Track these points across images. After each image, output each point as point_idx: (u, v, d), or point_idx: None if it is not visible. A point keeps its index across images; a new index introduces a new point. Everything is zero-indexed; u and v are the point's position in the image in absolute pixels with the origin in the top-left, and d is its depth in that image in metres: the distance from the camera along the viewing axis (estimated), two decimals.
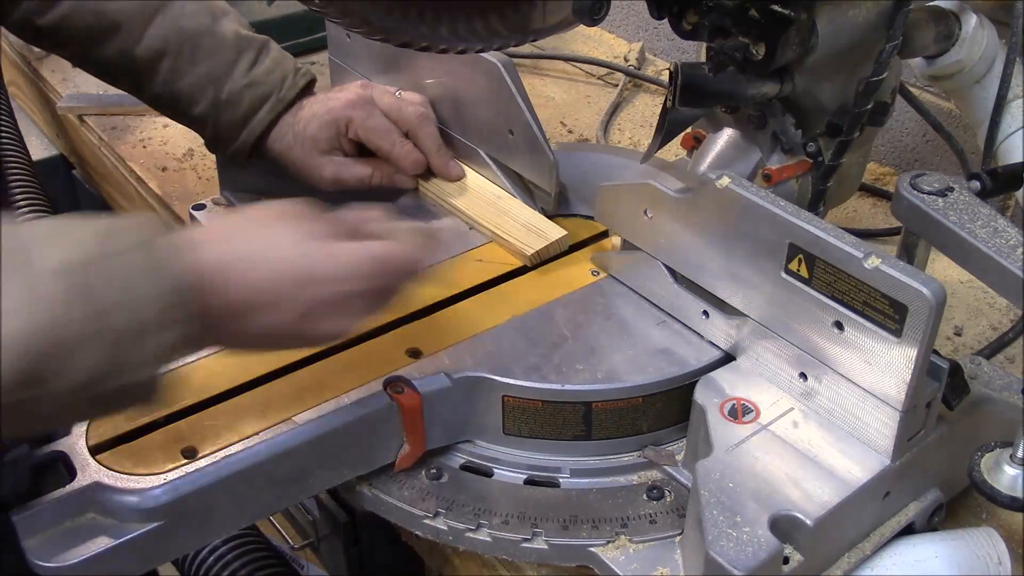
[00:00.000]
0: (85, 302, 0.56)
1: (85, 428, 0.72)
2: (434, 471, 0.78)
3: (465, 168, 1.02)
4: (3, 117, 1.51)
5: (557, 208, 0.98)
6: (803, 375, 0.73)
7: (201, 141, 1.05)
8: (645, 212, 0.81)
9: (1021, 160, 0.93)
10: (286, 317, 0.65)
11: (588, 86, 1.52)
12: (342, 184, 1.02)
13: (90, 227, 0.59)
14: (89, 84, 1.49)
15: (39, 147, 1.67)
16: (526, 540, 0.73)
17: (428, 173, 1.02)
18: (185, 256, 0.62)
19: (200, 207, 1.05)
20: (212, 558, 1.14)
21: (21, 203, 1.40)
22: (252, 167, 1.04)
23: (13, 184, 1.42)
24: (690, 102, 0.84)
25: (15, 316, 0.54)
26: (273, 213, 0.70)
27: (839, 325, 0.68)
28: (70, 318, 0.55)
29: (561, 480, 0.78)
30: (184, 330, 0.60)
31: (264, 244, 0.67)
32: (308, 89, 1.04)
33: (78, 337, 0.56)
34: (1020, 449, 0.62)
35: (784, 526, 0.65)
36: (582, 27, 0.94)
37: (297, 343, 0.74)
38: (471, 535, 0.73)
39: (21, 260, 0.56)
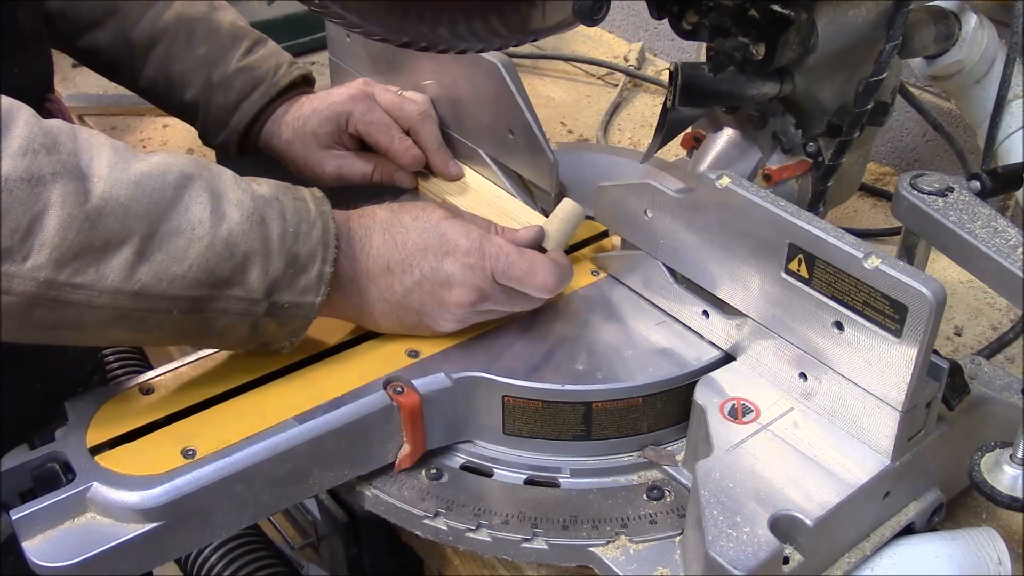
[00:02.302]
0: (258, 227, 0.69)
1: (85, 429, 0.72)
2: (434, 471, 0.78)
3: (465, 168, 1.02)
4: None
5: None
6: (803, 375, 0.73)
7: (201, 142, 1.06)
8: (645, 212, 0.81)
9: (1021, 160, 0.93)
10: (415, 276, 0.77)
11: (588, 86, 1.53)
12: (344, 179, 1.02)
13: (271, 181, 0.74)
14: (89, 84, 1.49)
15: None
16: (526, 540, 0.73)
17: (428, 172, 1.02)
18: (340, 215, 0.76)
19: None
20: (215, 557, 1.14)
21: None
22: (250, 166, 1.02)
23: None
24: (690, 102, 0.84)
25: (199, 225, 0.67)
26: (417, 203, 0.81)
27: (839, 325, 0.68)
28: (244, 237, 0.69)
29: (561, 480, 0.78)
30: (338, 271, 0.74)
31: (401, 220, 0.79)
32: (304, 83, 1.04)
33: (251, 252, 0.69)
34: (1020, 449, 0.62)
35: (784, 526, 0.65)
36: (582, 27, 0.94)
37: (424, 318, 0.79)
38: (471, 535, 0.73)
39: (212, 187, 0.69)
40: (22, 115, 0.63)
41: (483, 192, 0.99)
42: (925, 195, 0.71)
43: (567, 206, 0.87)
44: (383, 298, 0.78)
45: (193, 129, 1.07)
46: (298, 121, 1.01)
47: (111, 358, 1.25)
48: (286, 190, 0.74)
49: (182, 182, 0.68)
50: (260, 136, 1.03)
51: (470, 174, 1.02)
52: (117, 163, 0.65)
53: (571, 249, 0.93)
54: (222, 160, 1.08)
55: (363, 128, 1.00)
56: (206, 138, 1.06)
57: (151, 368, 0.80)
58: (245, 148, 1.05)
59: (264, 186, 0.73)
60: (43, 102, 0.89)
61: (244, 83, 1.00)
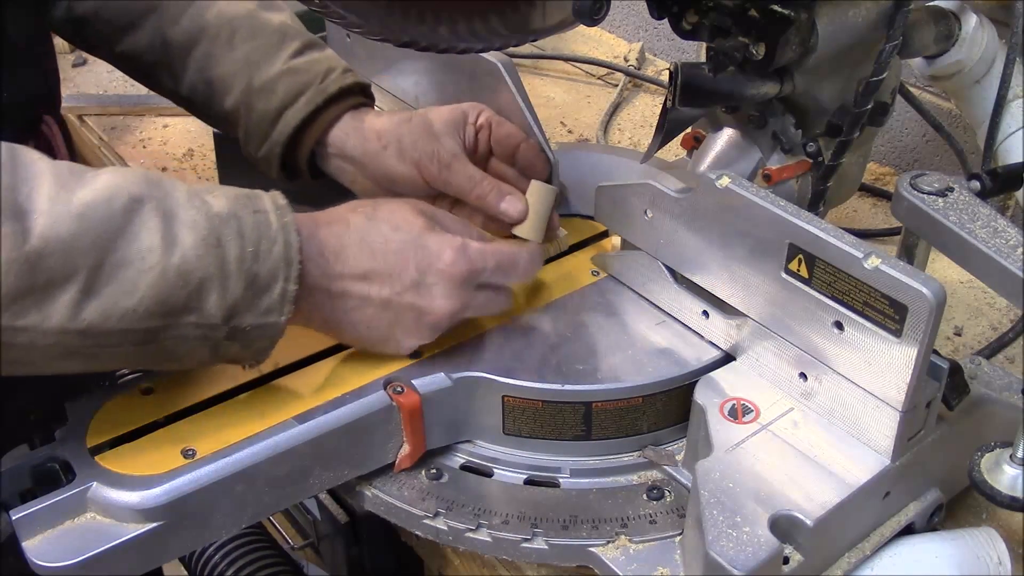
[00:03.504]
0: (214, 250, 0.65)
1: (85, 429, 0.72)
2: (434, 471, 0.78)
3: None
4: None
5: (557, 208, 0.98)
6: (803, 375, 0.73)
7: (201, 141, 1.03)
8: (645, 212, 0.81)
9: (1021, 160, 0.93)
10: (396, 288, 0.74)
11: (588, 86, 1.53)
12: (450, 182, 0.88)
13: (230, 192, 0.69)
14: (89, 84, 1.50)
15: None
16: (526, 540, 0.73)
17: None
18: (307, 223, 0.71)
19: None
20: (219, 556, 1.14)
21: None
22: (251, 165, 0.98)
23: None
24: (690, 102, 0.84)
25: (149, 254, 0.63)
26: (392, 206, 0.77)
27: (839, 325, 0.68)
28: (199, 262, 0.64)
29: (561, 480, 0.78)
30: (304, 285, 0.69)
31: (379, 228, 0.74)
32: (361, 92, 0.92)
33: (207, 277, 0.64)
34: (1020, 449, 0.62)
35: (784, 526, 0.65)
36: (582, 27, 0.94)
37: (396, 331, 0.76)
38: (471, 535, 0.73)
39: (163, 209, 0.64)
40: None
41: None
42: (925, 195, 0.71)
43: (534, 188, 0.86)
44: (357, 308, 0.74)
45: (193, 129, 1.05)
46: (391, 123, 0.88)
47: None
48: (245, 202, 0.68)
49: (130, 206, 0.63)
50: (317, 153, 0.91)
51: None
52: (59, 194, 0.60)
53: (571, 249, 0.93)
54: (225, 164, 1.03)
55: (495, 119, 0.89)
56: (248, 152, 0.93)
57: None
58: (292, 169, 0.92)
59: (221, 200, 0.67)
60: (38, 123, 0.83)
61: (288, 88, 0.88)
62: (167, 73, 0.94)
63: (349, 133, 0.89)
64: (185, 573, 1.22)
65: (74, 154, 0.91)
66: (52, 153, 0.63)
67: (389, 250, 0.74)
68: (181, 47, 0.91)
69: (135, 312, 0.63)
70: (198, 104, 0.95)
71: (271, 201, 0.70)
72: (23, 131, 0.62)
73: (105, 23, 0.93)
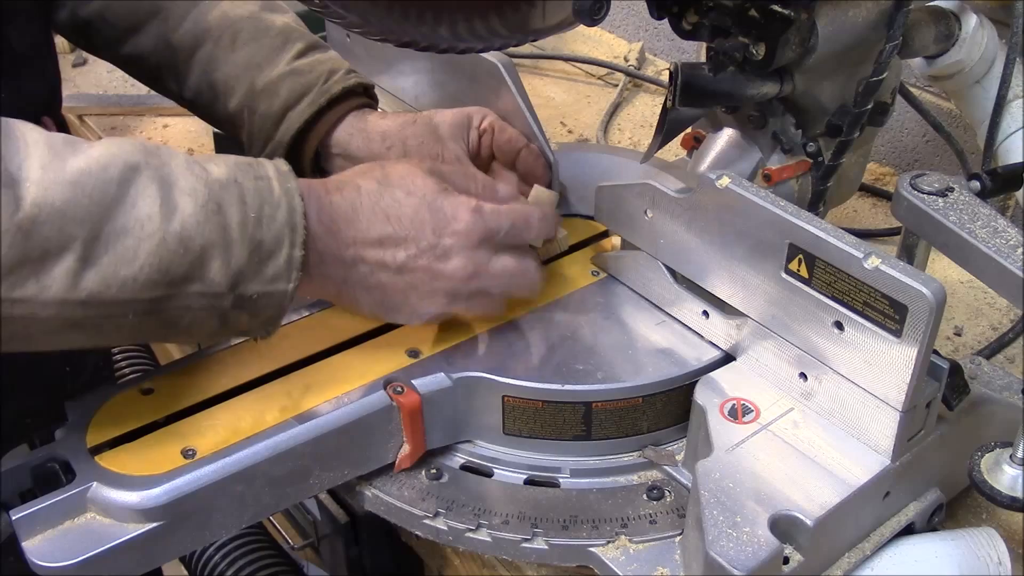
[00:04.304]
0: (215, 216, 0.64)
1: (85, 429, 0.72)
2: (434, 471, 0.78)
3: None
4: None
5: (558, 209, 0.98)
6: (803, 375, 0.73)
7: (202, 141, 1.03)
8: (645, 212, 0.81)
9: (1021, 160, 0.93)
10: (411, 251, 0.73)
11: (588, 86, 1.53)
12: None
13: (230, 159, 0.68)
14: (89, 84, 1.50)
15: None
16: (526, 540, 0.73)
17: None
18: (317, 189, 0.71)
19: None
20: (219, 556, 1.14)
21: None
22: None
23: None
24: (690, 102, 0.84)
25: (148, 222, 0.61)
26: (402, 169, 0.75)
27: (839, 325, 0.68)
28: (199, 229, 0.63)
29: (561, 480, 0.78)
30: (314, 251, 0.69)
31: (392, 193, 0.73)
32: (364, 93, 0.93)
33: (209, 244, 0.63)
34: (1020, 449, 0.62)
35: (784, 526, 0.65)
36: (582, 27, 0.94)
37: (410, 297, 0.75)
38: (471, 535, 0.73)
39: (161, 176, 0.63)
40: None
41: None
42: (925, 195, 0.71)
43: (536, 193, 0.86)
44: (372, 274, 0.73)
45: (193, 129, 1.05)
46: (396, 123, 0.89)
47: (118, 356, 1.25)
48: (246, 168, 0.67)
49: (127, 175, 0.62)
50: (319, 154, 0.91)
51: None
52: (51, 162, 0.60)
53: (571, 249, 0.93)
54: None
55: (498, 124, 0.91)
56: (251, 154, 0.92)
57: (159, 366, 0.80)
58: (296, 170, 0.92)
59: (221, 167, 0.66)
60: (37, 123, 0.85)
61: (291, 90, 0.89)
62: (171, 75, 0.94)
63: (353, 134, 0.90)
64: (185, 573, 1.22)
65: None
66: None
67: (403, 214, 0.73)
68: (185, 49, 0.92)
69: (136, 281, 0.62)
70: (202, 106, 0.95)
71: (273, 167, 0.69)
72: None
73: (109, 26, 0.93)
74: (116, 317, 0.63)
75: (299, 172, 0.90)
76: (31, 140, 0.61)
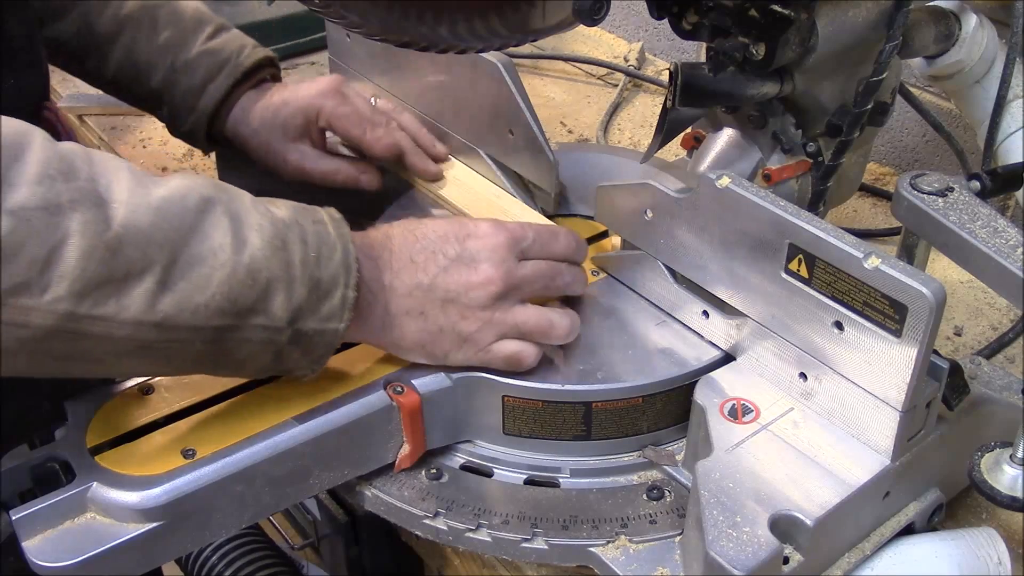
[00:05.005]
0: (280, 252, 0.67)
1: (85, 429, 0.72)
2: (434, 471, 0.78)
3: (464, 167, 1.02)
4: None
5: (557, 208, 0.98)
6: (803, 375, 0.73)
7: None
8: (645, 212, 0.81)
9: (1021, 160, 0.93)
10: (440, 262, 0.75)
11: (588, 86, 1.53)
12: (305, 174, 1.01)
13: (289, 203, 0.72)
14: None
15: None
16: (526, 540, 0.73)
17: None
18: (358, 237, 0.74)
19: None
20: (215, 557, 1.14)
21: None
22: (250, 167, 1.03)
23: None
24: (690, 102, 0.84)
25: (221, 252, 0.64)
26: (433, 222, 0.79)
27: (839, 325, 0.68)
28: (266, 263, 0.66)
29: (561, 480, 0.78)
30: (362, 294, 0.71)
31: (422, 229, 0.77)
32: (270, 64, 1.03)
33: (274, 278, 0.67)
34: (1020, 449, 0.62)
35: (784, 526, 0.65)
36: (582, 27, 0.94)
37: (450, 313, 0.75)
38: (471, 535, 0.73)
39: (232, 211, 0.66)
40: (36, 139, 0.60)
41: (482, 191, 0.99)
42: (925, 195, 0.71)
43: None
44: (410, 297, 0.74)
45: None
46: (267, 111, 1.00)
47: None
48: (305, 212, 0.71)
49: (202, 207, 0.65)
50: (227, 122, 1.01)
51: (469, 173, 1.02)
52: (136, 188, 0.63)
53: None
54: (225, 165, 1.07)
55: (335, 121, 0.99)
56: (174, 126, 1.04)
57: None
58: (213, 137, 1.03)
59: (283, 209, 0.70)
60: (40, 111, 0.87)
61: (209, 66, 0.99)
62: (92, 60, 1.03)
63: (245, 108, 1.02)
64: (181, 574, 1.22)
65: None
66: (57, 137, 0.64)
67: (428, 232, 0.76)
68: (107, 35, 1.00)
69: (207, 308, 0.64)
70: (123, 85, 1.04)
71: (327, 213, 0.73)
72: (30, 121, 0.63)
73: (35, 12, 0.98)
74: (184, 342, 0.65)
75: (218, 140, 1.03)
76: (116, 165, 0.63)
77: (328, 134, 1.03)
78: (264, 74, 1.03)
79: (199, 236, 0.64)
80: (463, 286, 0.75)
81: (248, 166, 1.03)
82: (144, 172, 0.65)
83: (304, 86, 1.01)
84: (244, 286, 0.65)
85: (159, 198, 0.63)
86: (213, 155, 1.11)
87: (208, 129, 1.02)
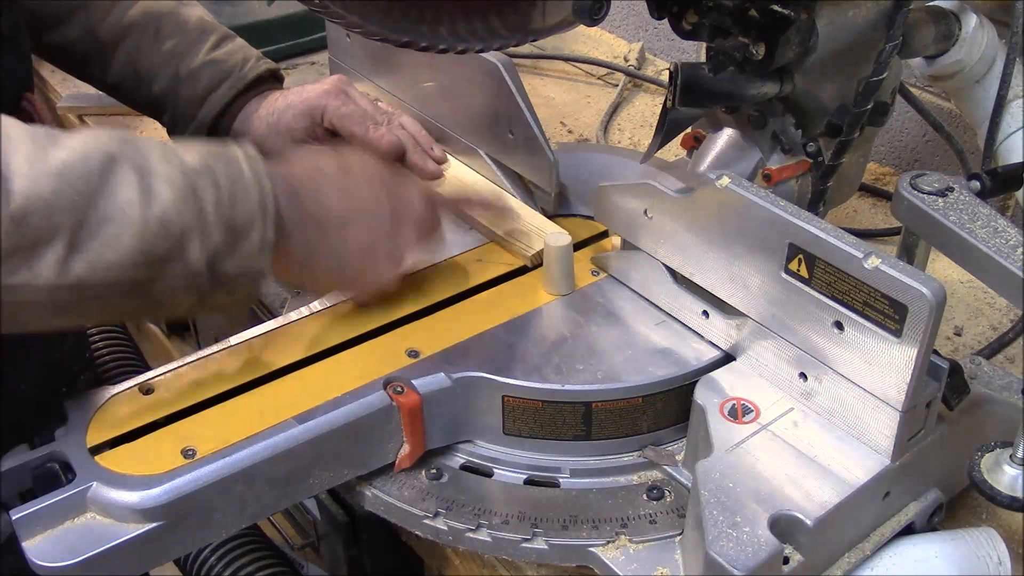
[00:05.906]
0: (192, 201, 0.67)
1: (85, 429, 0.72)
2: (434, 471, 0.78)
3: (465, 167, 1.02)
4: None
5: (557, 208, 0.98)
6: (803, 375, 0.73)
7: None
8: (645, 212, 0.81)
9: (1021, 160, 0.93)
10: (375, 230, 0.78)
11: (588, 86, 1.53)
12: None
13: (202, 147, 0.71)
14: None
15: None
16: (526, 540, 0.73)
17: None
18: (280, 170, 0.74)
19: None
20: (214, 557, 1.14)
21: None
22: None
23: None
24: (690, 102, 0.84)
25: (129, 209, 0.65)
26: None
27: (839, 325, 0.68)
28: (178, 213, 0.66)
29: (561, 480, 0.78)
30: (281, 229, 0.72)
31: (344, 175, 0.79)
32: (272, 78, 1.04)
33: (187, 227, 0.67)
34: (1020, 449, 0.62)
35: (784, 526, 0.65)
36: (582, 27, 0.95)
37: (368, 261, 0.79)
38: (471, 535, 0.73)
39: (139, 165, 0.66)
40: None
41: (483, 192, 0.99)
42: (925, 195, 0.71)
43: (550, 248, 0.86)
44: (342, 246, 0.77)
45: None
46: (272, 116, 1.00)
47: (106, 357, 1.25)
48: (218, 155, 0.71)
49: (106, 165, 0.65)
50: (230, 132, 1.02)
51: (470, 173, 1.02)
52: (36, 154, 0.63)
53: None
54: None
55: (338, 121, 0.99)
56: (174, 133, 1.05)
57: (147, 367, 0.80)
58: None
59: (194, 155, 0.70)
60: (20, 102, 0.87)
61: (212, 76, 1.00)
62: (95, 64, 1.02)
63: (250, 115, 1.02)
64: (179, 575, 1.21)
65: None
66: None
67: (363, 196, 0.79)
68: (110, 41, 1.00)
69: (121, 265, 0.65)
70: (125, 91, 1.04)
71: (242, 152, 0.73)
72: (9, 111, 0.64)
73: (35, 17, 0.98)
74: (102, 299, 0.66)
75: None
76: (14, 134, 0.63)
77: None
78: (266, 87, 1.03)
79: (105, 195, 0.64)
80: (391, 235, 0.79)
81: None
82: (47, 132, 0.65)
83: (308, 88, 1.01)
84: (157, 238, 0.66)
85: (60, 162, 0.63)
86: None
87: (209, 137, 1.02)
